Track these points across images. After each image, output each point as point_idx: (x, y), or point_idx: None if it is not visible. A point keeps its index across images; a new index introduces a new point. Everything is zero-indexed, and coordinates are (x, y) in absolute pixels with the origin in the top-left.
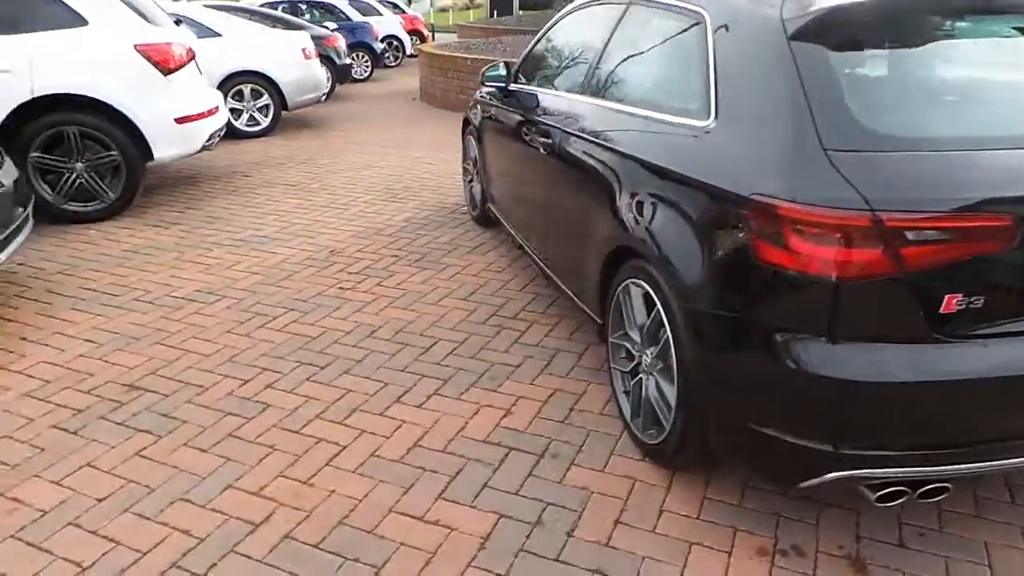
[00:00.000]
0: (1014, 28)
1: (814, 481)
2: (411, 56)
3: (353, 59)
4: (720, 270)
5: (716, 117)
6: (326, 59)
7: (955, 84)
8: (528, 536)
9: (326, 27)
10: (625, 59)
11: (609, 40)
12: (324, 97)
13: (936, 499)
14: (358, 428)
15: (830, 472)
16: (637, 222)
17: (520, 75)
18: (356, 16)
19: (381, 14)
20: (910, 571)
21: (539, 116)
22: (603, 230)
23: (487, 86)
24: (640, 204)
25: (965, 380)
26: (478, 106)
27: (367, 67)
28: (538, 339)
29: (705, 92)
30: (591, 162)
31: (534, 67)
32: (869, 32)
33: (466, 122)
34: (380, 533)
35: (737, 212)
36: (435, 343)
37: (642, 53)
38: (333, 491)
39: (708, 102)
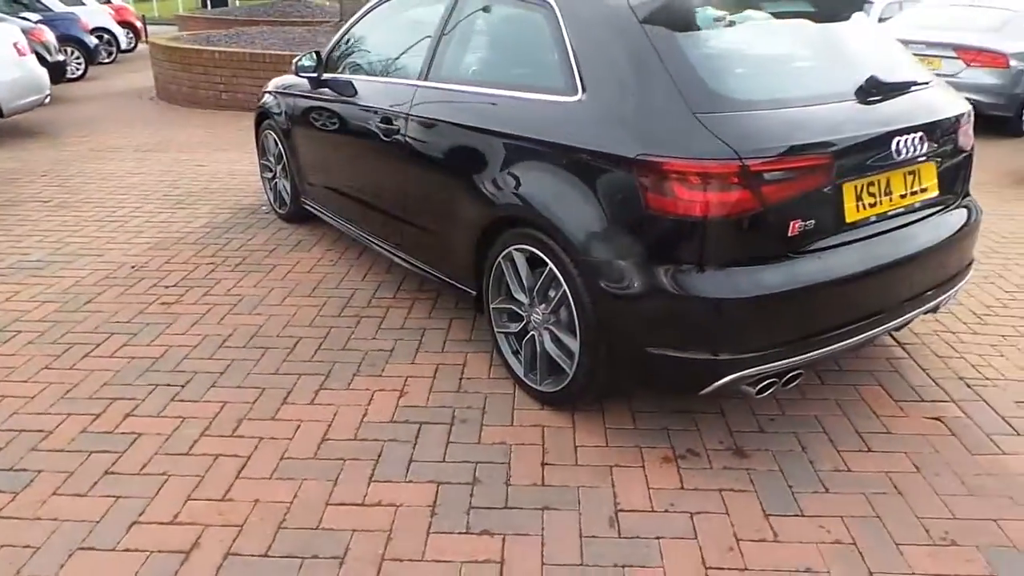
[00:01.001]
0: (809, 7)
1: (714, 386)
2: (126, 51)
3: (65, 55)
4: (612, 222)
5: (584, 92)
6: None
7: (774, 55)
8: (471, 495)
9: (26, 19)
10: (474, 45)
11: (445, 28)
12: (48, 99)
13: (794, 384)
14: (254, 436)
15: (725, 376)
16: (518, 193)
17: (337, 64)
18: (59, 6)
19: (85, 3)
20: (774, 447)
21: (374, 105)
22: (475, 206)
23: (301, 76)
24: (519, 176)
25: (811, 285)
26: (280, 99)
27: (79, 64)
28: (400, 322)
29: (568, 71)
30: (452, 144)
31: (354, 56)
32: (700, 14)
33: (262, 117)
34: (327, 526)
35: (624, 171)
36: (297, 342)
37: (491, 39)
38: (257, 500)
39: (573, 80)
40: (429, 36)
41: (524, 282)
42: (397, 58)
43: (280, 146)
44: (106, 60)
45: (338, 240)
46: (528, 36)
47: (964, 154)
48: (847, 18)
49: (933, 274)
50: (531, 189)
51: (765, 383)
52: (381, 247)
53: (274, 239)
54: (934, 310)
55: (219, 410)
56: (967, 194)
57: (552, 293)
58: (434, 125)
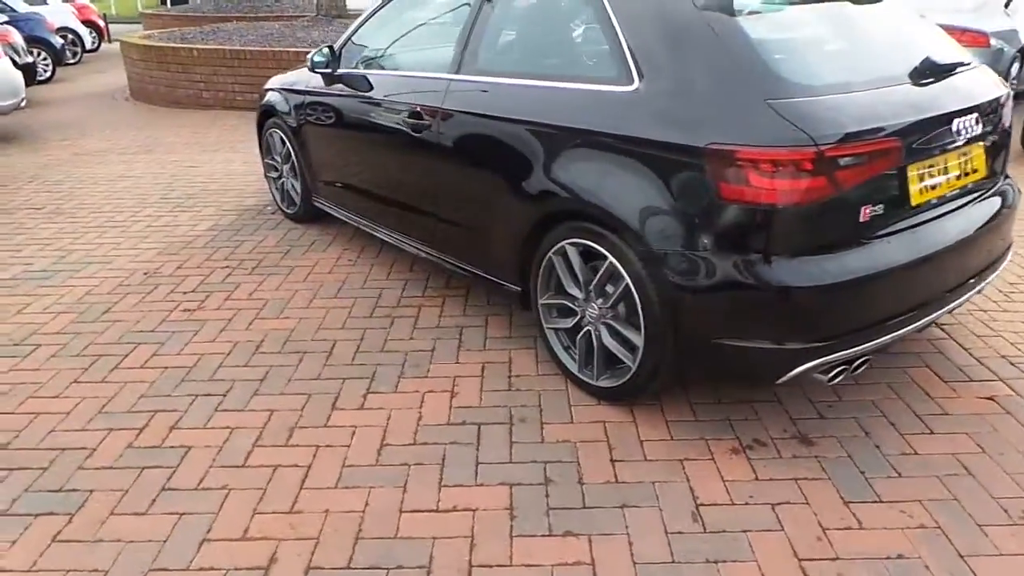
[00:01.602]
0: None
1: (790, 375)
2: (91, 51)
3: (33, 57)
4: (681, 212)
5: (641, 81)
6: None
7: (828, 40)
8: (547, 495)
9: None
10: (512, 36)
11: (476, 19)
12: (23, 102)
13: (863, 369)
14: (310, 444)
15: (802, 364)
16: (575, 186)
17: (352, 59)
18: (23, 7)
19: (48, 3)
20: (838, 433)
21: (400, 99)
22: (523, 201)
23: (317, 72)
24: (575, 169)
25: (882, 271)
26: (288, 96)
27: (47, 66)
28: (435, 321)
29: (622, 61)
30: (494, 139)
31: (372, 50)
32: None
33: (265, 115)
34: (406, 535)
35: (693, 160)
36: (333, 345)
37: (531, 29)
38: (327, 511)
39: (628, 69)
40: (456, 28)
41: (579, 276)
42: (422, 51)
43: (288, 145)
44: (72, 61)
45: (353, 238)
46: (572, 25)
47: (1006, 135)
48: (882, 0)
49: (985, 254)
50: (589, 182)
51: (837, 369)
52: (408, 244)
53: (286, 240)
54: (980, 291)
55: (267, 419)
56: (1007, 175)
57: (611, 287)
58: (473, 119)
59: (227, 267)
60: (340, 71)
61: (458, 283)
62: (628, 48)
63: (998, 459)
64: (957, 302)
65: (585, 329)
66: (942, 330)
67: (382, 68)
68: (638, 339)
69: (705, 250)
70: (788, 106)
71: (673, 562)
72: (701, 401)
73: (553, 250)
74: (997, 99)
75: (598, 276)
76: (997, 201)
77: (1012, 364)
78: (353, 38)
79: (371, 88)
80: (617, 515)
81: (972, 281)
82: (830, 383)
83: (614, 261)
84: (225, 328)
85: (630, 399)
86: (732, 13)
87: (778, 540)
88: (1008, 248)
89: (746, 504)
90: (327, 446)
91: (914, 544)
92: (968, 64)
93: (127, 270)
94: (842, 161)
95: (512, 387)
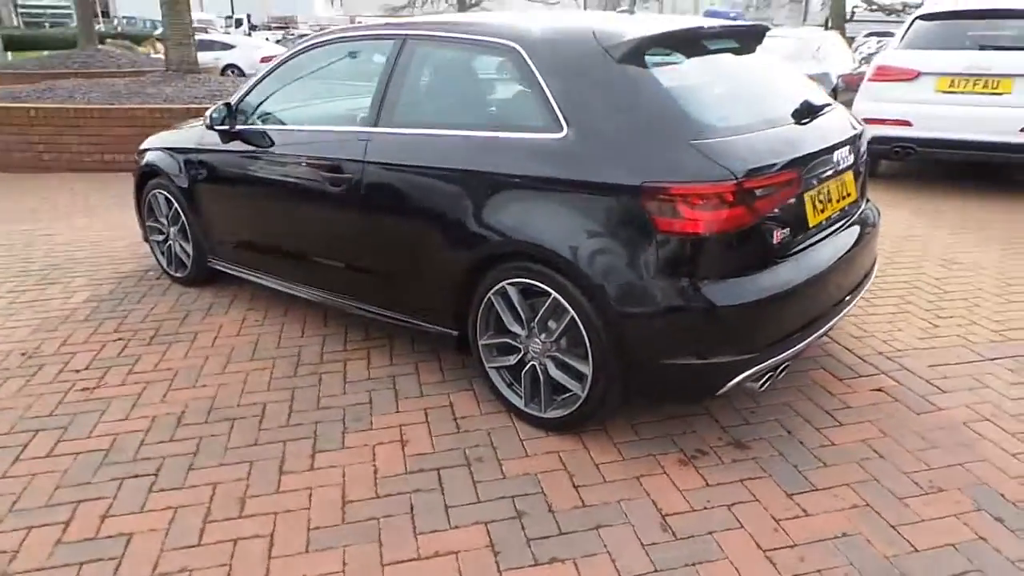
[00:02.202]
0: (734, 43)
1: (728, 386)
2: None
3: None
4: (621, 245)
5: (569, 128)
6: None
7: (726, 88)
8: (523, 527)
9: None
10: (433, 90)
11: (392, 74)
12: None
13: (783, 374)
14: (266, 513)
15: (739, 375)
16: (513, 228)
17: (253, 115)
18: None
19: None
20: (764, 435)
21: (315, 154)
22: (459, 246)
23: (216, 128)
24: (513, 212)
25: (797, 283)
26: (175, 155)
27: None
28: (364, 373)
29: (548, 111)
30: (425, 188)
31: (276, 106)
32: (661, 53)
33: (146, 176)
34: None
35: (629, 197)
36: (264, 408)
37: (452, 83)
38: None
39: (555, 118)
40: (364, 83)
41: (521, 314)
42: (330, 106)
43: (177, 205)
44: None
45: (254, 298)
46: (495, 79)
47: (866, 163)
48: (754, 51)
49: (864, 265)
50: (529, 224)
51: (765, 376)
52: (326, 297)
53: (181, 305)
54: (861, 297)
55: (212, 493)
56: (867, 198)
57: (553, 322)
58: (401, 170)
59: (120, 339)
60: (240, 127)
61: (378, 333)
62: (553, 99)
63: (900, 440)
64: (848, 308)
65: (530, 364)
66: (828, 336)
67: (285, 124)
68: (585, 368)
69: (645, 278)
70: (708, 146)
71: (656, 571)
72: (641, 421)
73: (493, 291)
74: (859, 133)
75: (541, 312)
76: (867, 219)
77: (889, 359)
78: (250, 96)
79: (272, 144)
80: (593, 536)
81: (860, 287)
82: (760, 389)
83: (558, 296)
84: (136, 403)
85: (579, 427)
86: (645, 65)
87: (741, 536)
88: (875, 260)
89: (705, 509)
90: (286, 511)
91: (853, 522)
92: (832, 104)
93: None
94: (757, 192)
95: (460, 429)
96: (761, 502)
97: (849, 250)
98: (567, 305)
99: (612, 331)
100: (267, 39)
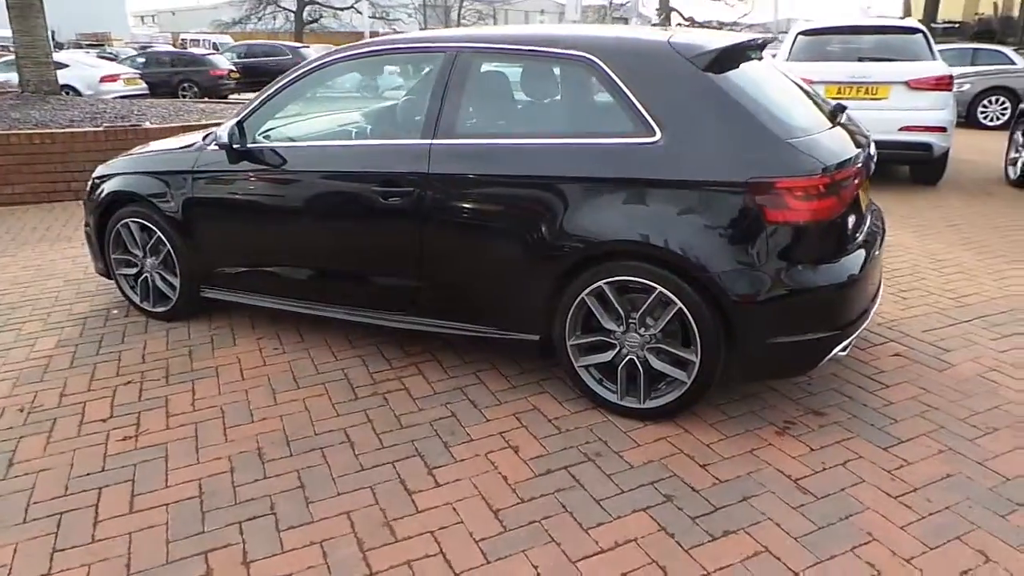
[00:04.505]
0: (760, 56)
1: (827, 358)
2: None
3: None
4: (730, 237)
5: (662, 133)
6: None
7: (781, 92)
8: (679, 509)
9: None
10: (496, 100)
11: (447, 86)
12: None
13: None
14: (421, 532)
15: (836, 346)
16: (606, 230)
17: (264, 133)
18: None
19: None
20: (829, 402)
21: (359, 169)
22: (548, 251)
23: (233, 149)
24: (605, 214)
25: (865, 267)
26: (161, 179)
27: None
28: (427, 389)
29: (635, 116)
30: (501, 197)
31: (298, 122)
32: (735, 63)
33: (111, 206)
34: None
35: (735, 193)
36: (345, 432)
37: (515, 94)
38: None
39: (646, 123)
40: (410, 97)
41: (620, 311)
42: (374, 119)
43: (161, 234)
44: None
45: (256, 326)
46: (570, 89)
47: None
48: (762, 58)
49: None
50: (627, 223)
51: (845, 344)
52: (371, 318)
53: (177, 342)
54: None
55: (350, 522)
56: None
57: (653, 316)
58: (475, 181)
59: (129, 382)
60: (263, 145)
61: (415, 347)
62: (642, 106)
63: (940, 394)
64: (882, 289)
65: (627, 358)
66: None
67: (316, 140)
68: (691, 355)
69: (757, 265)
70: (802, 143)
71: (819, 527)
72: (720, 403)
73: (587, 291)
74: (870, 137)
75: (644, 307)
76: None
77: (889, 329)
78: (261, 114)
79: (301, 162)
80: (746, 507)
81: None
82: (844, 355)
83: (663, 290)
84: (199, 446)
85: (676, 414)
86: (724, 73)
87: (869, 489)
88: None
89: (824, 470)
90: (441, 528)
91: (948, 465)
92: (846, 108)
93: None
94: (843, 183)
95: (561, 429)
96: (866, 458)
97: (881, 239)
98: (673, 297)
99: (723, 317)
100: (88, 54)
